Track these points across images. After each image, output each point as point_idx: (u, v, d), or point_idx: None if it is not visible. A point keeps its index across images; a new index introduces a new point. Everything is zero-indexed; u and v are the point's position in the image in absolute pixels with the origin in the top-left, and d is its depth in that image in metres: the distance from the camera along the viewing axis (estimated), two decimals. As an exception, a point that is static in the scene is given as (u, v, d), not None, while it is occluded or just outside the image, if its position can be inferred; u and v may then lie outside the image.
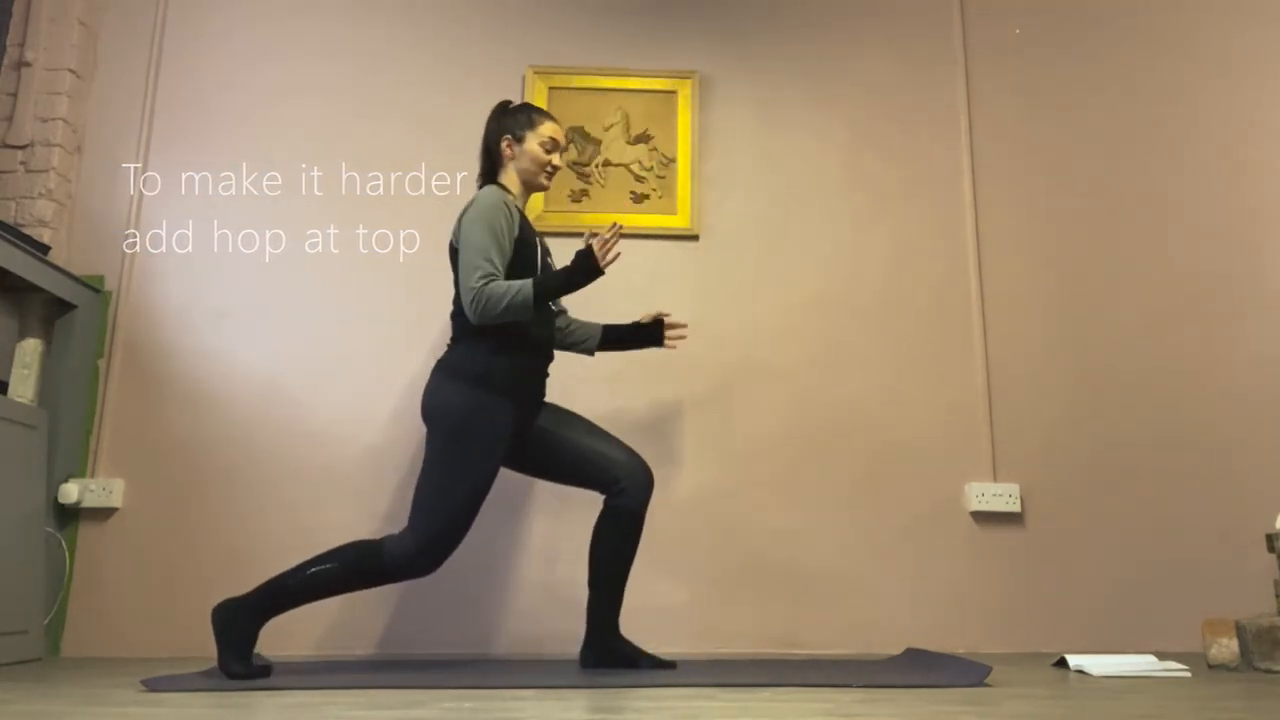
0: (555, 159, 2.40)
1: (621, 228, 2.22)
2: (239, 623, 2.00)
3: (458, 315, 2.26)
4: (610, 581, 2.26)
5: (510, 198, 2.29)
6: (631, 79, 3.13)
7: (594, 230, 2.21)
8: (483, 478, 2.15)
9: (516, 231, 2.24)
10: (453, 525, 2.11)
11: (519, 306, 2.13)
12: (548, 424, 2.32)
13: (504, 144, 2.37)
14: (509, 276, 2.21)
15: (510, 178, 2.37)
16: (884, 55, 3.24)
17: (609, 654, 2.25)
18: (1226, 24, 3.31)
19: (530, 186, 2.40)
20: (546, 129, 2.38)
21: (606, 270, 2.20)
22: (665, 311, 2.55)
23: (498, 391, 2.18)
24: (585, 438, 2.31)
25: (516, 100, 3.08)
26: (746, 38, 3.22)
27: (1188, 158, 3.22)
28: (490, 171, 2.40)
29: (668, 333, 2.52)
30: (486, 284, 2.13)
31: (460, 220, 2.25)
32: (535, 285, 2.14)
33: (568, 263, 2.21)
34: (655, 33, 3.20)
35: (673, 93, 3.13)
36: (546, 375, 2.35)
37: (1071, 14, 3.31)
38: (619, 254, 2.22)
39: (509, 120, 2.39)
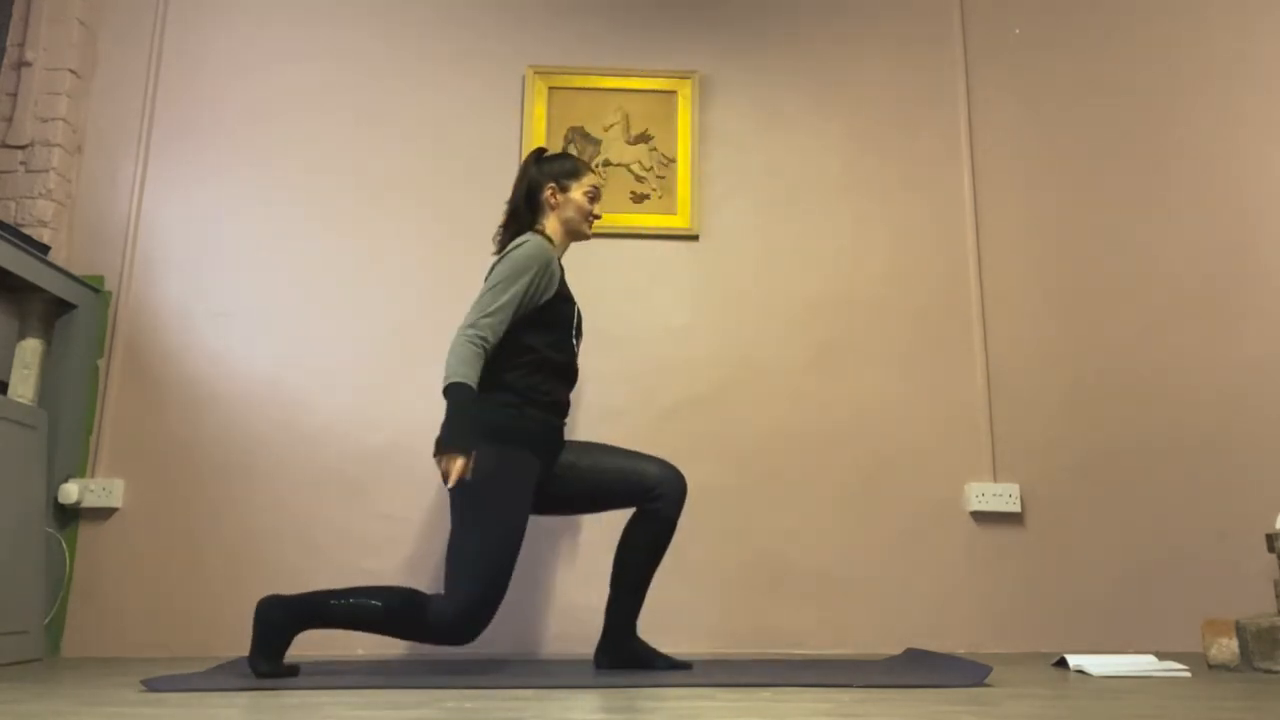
0: (597, 209, 2.38)
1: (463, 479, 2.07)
2: (278, 624, 1.98)
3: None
4: (634, 585, 2.25)
5: (554, 252, 2.27)
6: (631, 79, 3.13)
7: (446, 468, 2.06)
8: (514, 534, 2.10)
9: (555, 289, 2.22)
10: (489, 590, 2.05)
11: (447, 372, 2.06)
12: (571, 459, 2.27)
13: (548, 192, 2.33)
14: (543, 330, 2.20)
15: (553, 226, 2.34)
16: (884, 55, 3.24)
17: (624, 655, 2.24)
18: (1226, 24, 3.31)
19: (574, 235, 2.37)
20: (590, 178, 2.37)
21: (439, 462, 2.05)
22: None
23: (520, 445, 2.15)
24: (612, 459, 2.28)
25: (519, 99, 3.10)
26: (746, 38, 3.22)
27: (1188, 157, 3.22)
28: (525, 218, 2.35)
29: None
30: (470, 343, 2.09)
31: (497, 263, 2.21)
32: (460, 386, 2.05)
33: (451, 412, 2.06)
34: (655, 33, 3.20)
35: (673, 93, 3.13)
36: (564, 426, 2.30)
37: (1071, 14, 3.31)
38: (444, 474, 2.07)
39: (552, 167, 2.36)
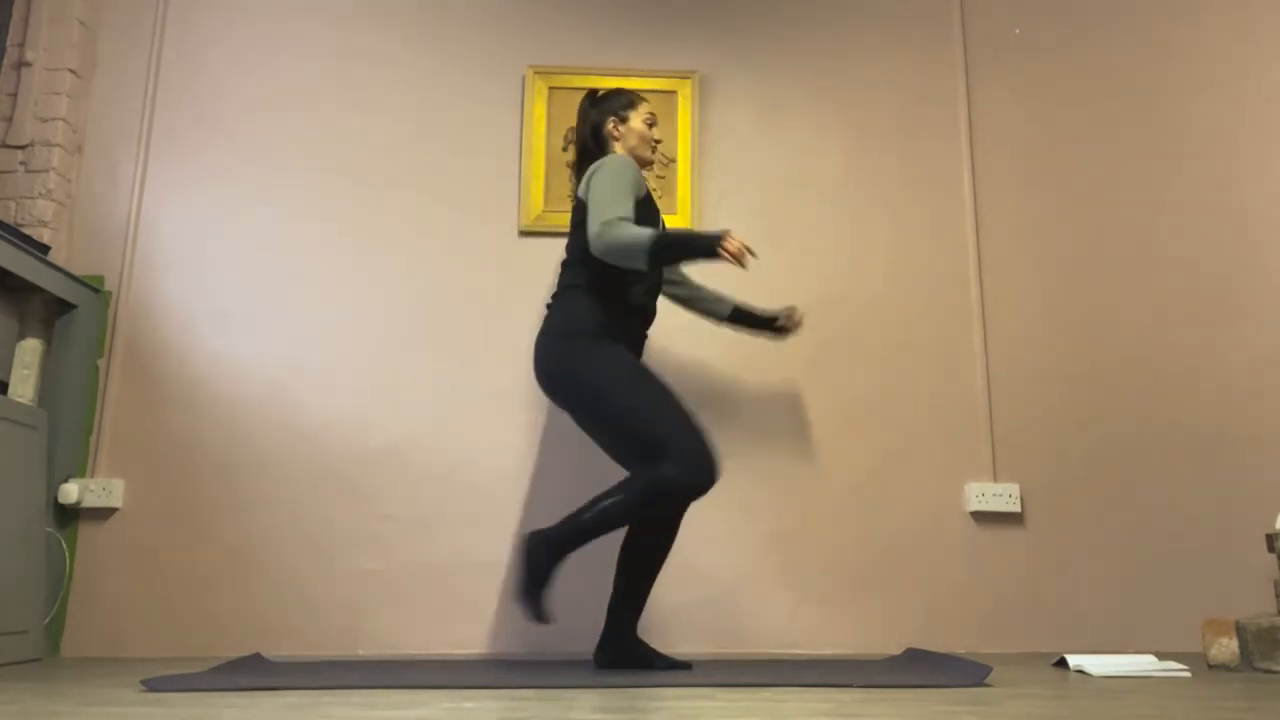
0: (656, 133, 2.53)
1: (752, 254, 2.21)
2: (540, 556, 2.10)
3: (569, 265, 2.36)
4: (635, 584, 2.26)
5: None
6: (631, 79, 3.13)
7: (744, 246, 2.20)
8: (662, 387, 2.21)
9: (645, 190, 2.36)
10: (693, 430, 2.15)
11: (634, 251, 2.16)
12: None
13: (610, 124, 2.47)
14: None
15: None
16: (884, 55, 3.24)
17: (623, 654, 2.25)
18: (1226, 23, 3.31)
19: (641, 162, 2.49)
20: (645, 108, 2.52)
21: (722, 256, 2.16)
22: (794, 307, 2.65)
23: (609, 338, 2.26)
24: (669, 413, 2.34)
25: (519, 99, 3.10)
26: (746, 38, 3.22)
27: (1188, 157, 3.22)
28: (594, 154, 2.48)
29: (788, 325, 2.65)
30: (616, 224, 2.19)
31: (591, 176, 2.32)
32: (655, 236, 2.16)
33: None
34: (655, 33, 3.20)
35: (673, 93, 3.13)
36: (645, 338, 2.44)
37: (1071, 14, 3.31)
38: (745, 259, 2.17)
39: (609, 103, 2.50)
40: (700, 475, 2.13)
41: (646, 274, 2.35)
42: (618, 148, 2.47)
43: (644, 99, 2.54)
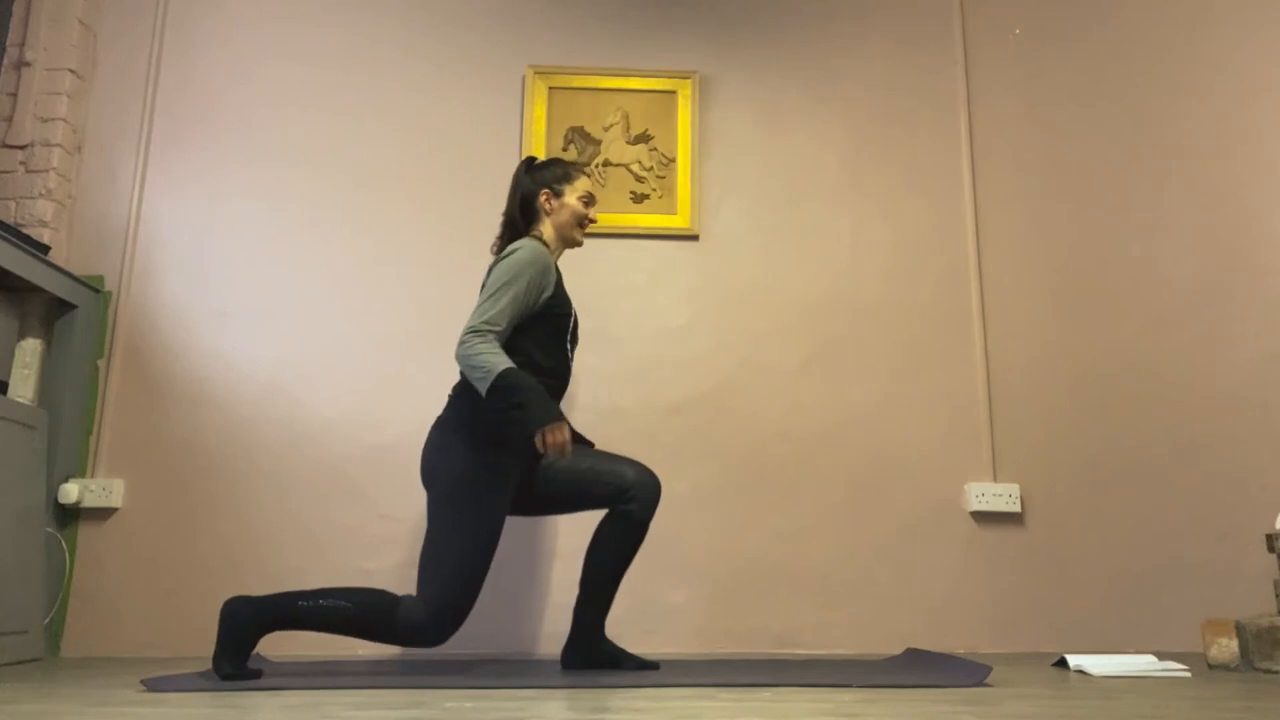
0: (592, 213, 2.38)
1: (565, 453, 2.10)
2: (243, 625, 1.95)
3: None
4: (602, 585, 2.24)
5: (551, 257, 2.26)
6: (631, 79, 3.13)
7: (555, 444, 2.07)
8: (491, 539, 2.10)
9: (552, 290, 2.23)
10: (463, 593, 2.06)
11: (480, 376, 2.06)
12: (549, 460, 2.22)
13: (543, 198, 2.32)
14: (538, 334, 2.20)
15: (548, 232, 2.34)
16: (884, 55, 3.24)
17: (593, 655, 2.24)
18: (1227, 23, 3.31)
19: (567, 242, 2.37)
20: (583, 183, 2.37)
21: (537, 442, 2.06)
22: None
23: (503, 450, 2.13)
24: (589, 461, 2.24)
25: (519, 99, 3.11)
26: (746, 38, 3.22)
27: (1188, 157, 3.22)
28: (520, 227, 2.34)
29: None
30: (483, 338, 2.09)
31: (496, 262, 2.20)
32: (501, 374, 2.04)
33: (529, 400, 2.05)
34: (655, 33, 3.20)
35: (673, 93, 3.13)
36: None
37: (1072, 14, 3.31)
38: (557, 451, 2.07)
39: (544, 174, 2.35)
40: (422, 637, 2.03)
41: (557, 375, 2.24)
42: (546, 224, 2.32)
43: (584, 172, 2.40)
